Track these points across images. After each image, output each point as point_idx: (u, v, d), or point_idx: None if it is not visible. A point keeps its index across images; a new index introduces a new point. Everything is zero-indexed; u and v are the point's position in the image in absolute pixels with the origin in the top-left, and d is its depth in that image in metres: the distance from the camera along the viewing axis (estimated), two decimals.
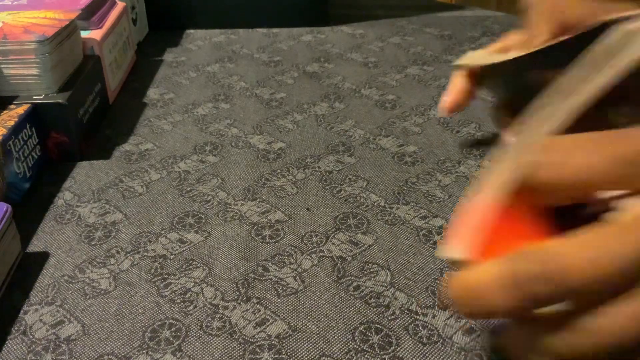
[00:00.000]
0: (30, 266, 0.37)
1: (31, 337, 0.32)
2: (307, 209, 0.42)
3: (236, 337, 0.32)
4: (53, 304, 0.34)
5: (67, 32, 0.50)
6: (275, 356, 0.31)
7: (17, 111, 0.44)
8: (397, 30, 0.77)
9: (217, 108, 0.57)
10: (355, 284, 0.35)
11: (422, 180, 0.45)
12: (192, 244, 0.39)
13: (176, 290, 0.35)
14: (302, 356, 0.31)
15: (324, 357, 0.31)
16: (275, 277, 0.36)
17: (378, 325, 0.33)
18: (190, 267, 0.37)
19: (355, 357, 0.31)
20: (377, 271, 0.36)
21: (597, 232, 0.20)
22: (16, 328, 0.33)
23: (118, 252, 0.38)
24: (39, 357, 0.31)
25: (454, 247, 0.22)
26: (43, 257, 0.38)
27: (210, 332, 0.32)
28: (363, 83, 0.62)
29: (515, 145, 0.23)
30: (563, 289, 0.19)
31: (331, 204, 0.43)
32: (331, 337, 0.32)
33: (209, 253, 0.38)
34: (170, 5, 0.77)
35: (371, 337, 0.32)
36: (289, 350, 0.31)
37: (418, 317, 0.33)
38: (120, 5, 0.63)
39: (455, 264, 0.22)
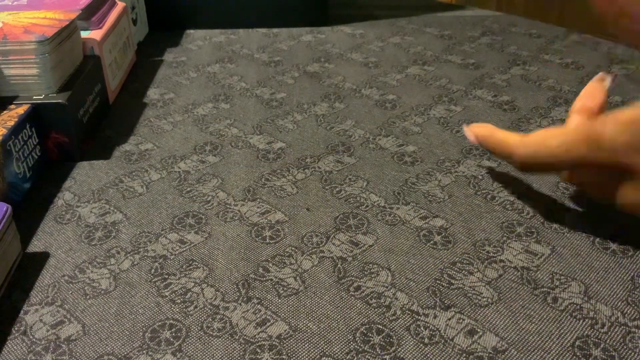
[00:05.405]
0: (30, 266, 0.37)
1: (31, 337, 0.32)
2: (307, 209, 0.42)
3: (237, 337, 0.32)
4: (53, 304, 0.34)
5: (67, 32, 0.50)
6: (276, 356, 0.31)
7: (17, 111, 0.44)
8: (397, 30, 0.77)
9: (217, 108, 0.57)
10: (355, 284, 0.35)
11: (422, 180, 0.45)
12: (192, 244, 0.39)
13: (176, 291, 0.35)
14: (303, 356, 0.31)
15: (324, 358, 0.31)
16: (275, 277, 0.36)
17: (379, 326, 0.32)
18: (191, 267, 0.37)
19: (356, 358, 0.31)
20: (378, 271, 0.36)
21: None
22: (16, 328, 0.33)
23: (118, 252, 0.38)
24: (39, 357, 0.31)
25: None
26: (43, 257, 0.38)
27: (211, 332, 0.32)
28: (363, 83, 0.62)
29: None
30: None
31: (331, 204, 0.42)
32: (332, 337, 0.32)
33: (209, 254, 0.38)
34: (170, 5, 0.77)
35: (372, 337, 0.32)
36: (289, 351, 0.31)
37: (419, 317, 0.33)
38: (120, 5, 0.63)
39: None
